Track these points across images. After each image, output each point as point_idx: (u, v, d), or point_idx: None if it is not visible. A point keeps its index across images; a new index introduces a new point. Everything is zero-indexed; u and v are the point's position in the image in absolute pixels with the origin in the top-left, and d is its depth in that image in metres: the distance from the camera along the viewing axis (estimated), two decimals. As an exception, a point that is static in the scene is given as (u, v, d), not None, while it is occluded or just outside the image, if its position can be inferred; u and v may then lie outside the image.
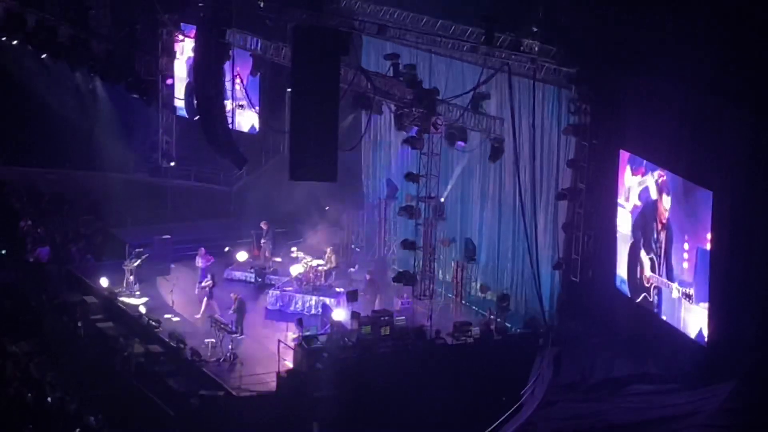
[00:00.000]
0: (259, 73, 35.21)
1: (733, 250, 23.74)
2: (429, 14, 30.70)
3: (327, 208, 33.22)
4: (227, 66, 32.17)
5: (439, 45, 29.55)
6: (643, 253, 26.53)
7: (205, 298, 30.42)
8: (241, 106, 35.05)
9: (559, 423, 24.70)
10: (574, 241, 28.46)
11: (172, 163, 36.81)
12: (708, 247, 24.24)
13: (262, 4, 31.91)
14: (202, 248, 32.52)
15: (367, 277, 30.78)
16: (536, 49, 27.80)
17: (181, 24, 35.36)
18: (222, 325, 28.46)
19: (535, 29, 27.80)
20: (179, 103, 35.49)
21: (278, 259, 33.49)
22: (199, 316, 30.30)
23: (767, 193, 22.90)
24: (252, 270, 32.99)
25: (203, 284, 30.90)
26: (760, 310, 23.04)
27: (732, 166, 23.72)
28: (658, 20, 25.04)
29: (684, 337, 25.15)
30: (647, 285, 26.47)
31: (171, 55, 35.31)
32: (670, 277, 25.58)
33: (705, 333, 24.40)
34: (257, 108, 35.80)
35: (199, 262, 32.25)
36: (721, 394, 22.88)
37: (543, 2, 27.89)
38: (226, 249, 33.84)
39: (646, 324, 26.50)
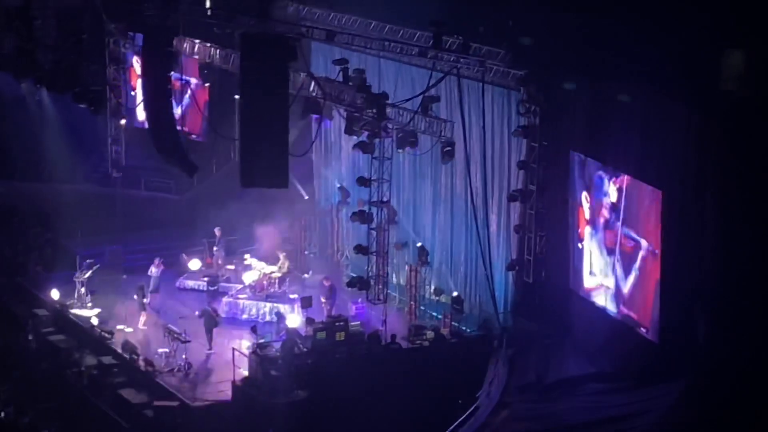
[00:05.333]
0: (207, 81, 35.09)
1: (683, 247, 23.91)
2: (377, 19, 30.73)
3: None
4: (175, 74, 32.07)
5: (388, 49, 29.54)
6: (601, 255, 26.67)
7: (142, 312, 30.36)
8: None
9: (515, 424, 24.77)
10: (526, 242, 28.58)
11: (122, 173, 36.58)
12: (658, 244, 24.39)
13: (209, 12, 31.77)
14: (157, 258, 32.34)
15: (326, 284, 30.70)
16: (484, 51, 27.90)
17: (129, 33, 35.14)
18: (175, 335, 28.30)
19: (482, 30, 27.92)
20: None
21: (231, 267, 33.37)
22: (142, 326, 30.30)
23: (715, 191, 23.07)
24: (205, 278, 32.84)
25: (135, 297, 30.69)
26: (711, 308, 23.21)
27: (681, 164, 23.88)
28: (604, 21, 25.17)
29: (637, 335, 25.29)
30: (604, 285, 26.63)
31: (118, 65, 35.14)
32: (624, 275, 25.74)
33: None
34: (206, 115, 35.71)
35: (153, 271, 32.07)
36: (673, 391, 23.04)
37: (491, 5, 28.01)
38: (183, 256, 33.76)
39: (599, 323, 26.62)
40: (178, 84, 32.76)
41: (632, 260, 25.29)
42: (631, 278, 25.45)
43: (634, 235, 25.22)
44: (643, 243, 24.82)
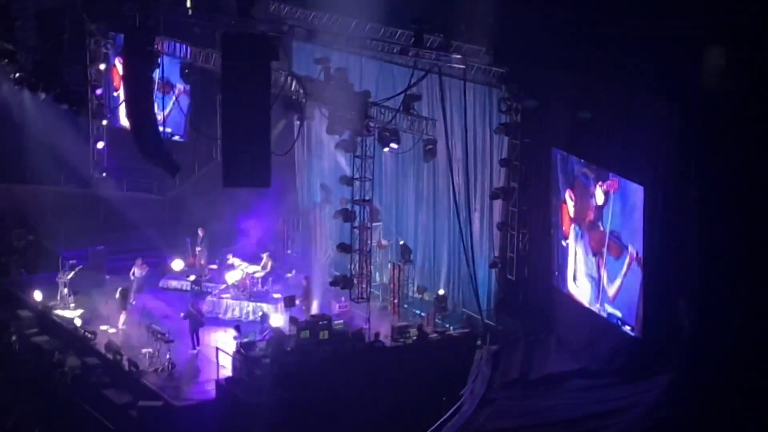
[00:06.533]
0: (189, 80, 35.05)
1: (666, 242, 23.98)
2: (358, 18, 30.74)
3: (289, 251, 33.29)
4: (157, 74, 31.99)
5: (369, 48, 29.59)
6: (584, 254, 26.70)
7: (122, 311, 30.27)
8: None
9: (499, 421, 24.80)
10: (509, 240, 28.62)
11: (104, 174, 36.50)
12: (641, 240, 24.45)
13: (190, 12, 31.75)
14: (140, 258, 32.30)
15: (304, 282, 30.72)
16: (466, 49, 27.93)
17: (109, 33, 35.11)
18: (159, 335, 28.27)
19: (463, 27, 27.97)
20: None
21: (214, 267, 33.33)
22: (122, 326, 30.22)
23: (697, 186, 23.16)
24: (188, 278, 32.79)
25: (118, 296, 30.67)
26: (694, 302, 23.29)
27: (662, 160, 23.96)
28: (584, 17, 25.25)
29: (621, 331, 25.35)
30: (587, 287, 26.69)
31: (99, 65, 35.10)
32: (609, 279, 25.79)
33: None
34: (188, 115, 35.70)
35: (135, 272, 32.02)
36: (657, 387, 23.11)
37: (471, 3, 28.06)
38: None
39: (583, 320, 26.68)
40: (162, 88, 32.82)
41: (619, 266, 25.30)
42: (617, 282, 25.45)
43: (621, 240, 25.22)
44: (630, 249, 24.84)
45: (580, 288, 26.82)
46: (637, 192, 24.50)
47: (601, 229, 25.78)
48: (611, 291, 25.63)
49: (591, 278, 26.36)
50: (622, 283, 25.30)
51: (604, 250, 25.75)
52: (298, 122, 32.10)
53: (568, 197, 26.97)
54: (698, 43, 22.83)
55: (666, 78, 23.25)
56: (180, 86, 35.49)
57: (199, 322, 29.22)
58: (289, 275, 32.78)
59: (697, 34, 22.81)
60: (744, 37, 22.24)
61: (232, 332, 28.70)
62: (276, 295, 31.11)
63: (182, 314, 29.56)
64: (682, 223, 23.54)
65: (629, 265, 24.90)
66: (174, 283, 33.04)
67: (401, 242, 31.40)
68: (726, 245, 22.54)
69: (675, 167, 23.62)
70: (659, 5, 23.61)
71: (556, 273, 27.77)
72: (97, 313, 31.09)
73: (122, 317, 30.37)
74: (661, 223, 23.98)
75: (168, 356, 27.91)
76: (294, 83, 29.22)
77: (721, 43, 22.59)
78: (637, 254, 24.61)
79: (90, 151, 36.44)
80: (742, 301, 22.28)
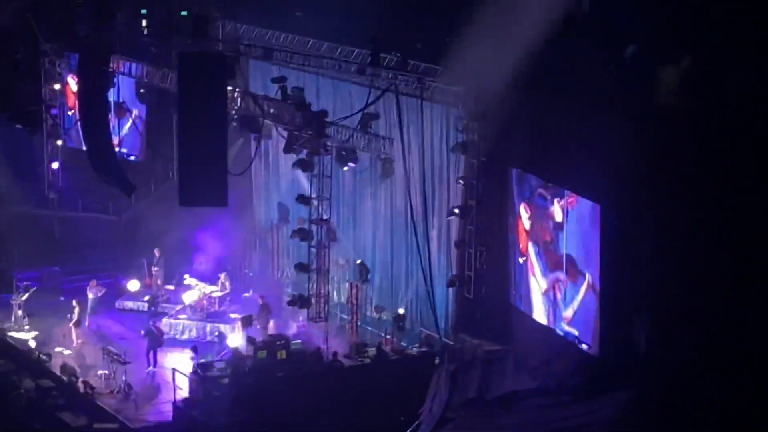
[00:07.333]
0: (145, 100, 34.86)
1: (623, 260, 24.06)
2: (315, 37, 30.75)
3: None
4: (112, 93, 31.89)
5: (326, 67, 29.59)
6: (542, 273, 26.74)
7: (73, 327, 29.99)
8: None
9: (458, 440, 24.80)
10: (466, 258, 28.65)
11: (59, 194, 36.24)
12: (597, 265, 24.52)
13: (146, 31, 31.64)
14: (94, 279, 32.06)
15: (260, 301, 30.61)
16: (422, 68, 27.99)
17: (64, 52, 34.90)
18: (115, 356, 28.05)
19: (420, 46, 28.03)
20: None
21: (171, 287, 33.15)
22: (75, 344, 30.00)
23: (652, 204, 23.28)
24: (145, 299, 32.58)
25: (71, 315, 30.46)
26: (650, 320, 23.38)
27: (618, 178, 24.05)
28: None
29: (578, 350, 25.41)
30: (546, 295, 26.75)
31: (54, 84, 34.87)
32: (565, 301, 25.84)
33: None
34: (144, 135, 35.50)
35: (90, 293, 31.77)
36: (614, 404, 23.16)
37: (428, 22, 28.16)
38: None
39: (540, 338, 26.71)
40: (120, 111, 32.71)
41: (576, 290, 25.34)
42: (574, 305, 25.49)
43: (577, 265, 25.26)
44: (588, 276, 24.88)
45: (537, 306, 26.86)
46: (594, 210, 24.59)
47: (559, 252, 25.82)
48: (568, 312, 25.68)
49: (548, 298, 26.41)
50: (578, 305, 25.35)
51: (561, 273, 25.79)
52: (255, 141, 32.09)
53: (523, 210, 26.98)
54: (653, 62, 23.00)
55: (621, 96, 23.39)
56: (135, 109, 35.31)
57: (158, 341, 29.04)
58: (246, 295, 32.65)
59: (652, 54, 22.98)
60: (698, 56, 22.44)
61: (189, 353, 28.52)
62: (233, 315, 30.97)
63: (142, 332, 29.37)
64: (638, 240, 23.63)
65: (586, 290, 24.95)
66: (130, 304, 32.83)
67: (359, 261, 31.34)
68: (682, 262, 22.66)
69: (631, 185, 23.72)
70: (614, 25, 23.76)
71: (514, 291, 27.81)
72: (52, 334, 30.80)
73: (76, 333, 30.09)
74: (618, 242, 24.06)
75: (124, 378, 27.70)
76: (251, 102, 29.16)
77: (675, 62, 22.78)
78: (593, 280, 24.64)
79: (44, 171, 36.15)
80: (698, 318, 22.39)
